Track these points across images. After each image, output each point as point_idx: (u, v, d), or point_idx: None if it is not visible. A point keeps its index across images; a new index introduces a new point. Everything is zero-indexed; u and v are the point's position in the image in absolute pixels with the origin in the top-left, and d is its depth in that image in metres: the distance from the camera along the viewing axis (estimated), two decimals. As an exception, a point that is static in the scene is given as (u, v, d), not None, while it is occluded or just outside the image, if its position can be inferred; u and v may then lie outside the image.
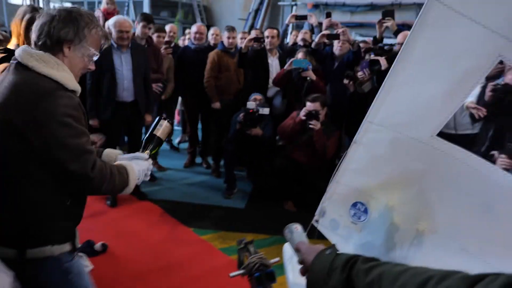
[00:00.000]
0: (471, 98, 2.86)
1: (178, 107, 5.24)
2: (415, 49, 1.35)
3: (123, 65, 3.34)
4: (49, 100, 1.17)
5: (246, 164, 4.19)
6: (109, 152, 1.53)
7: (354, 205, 1.68)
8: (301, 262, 0.93)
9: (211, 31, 4.57)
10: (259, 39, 3.92)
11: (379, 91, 1.46)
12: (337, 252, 0.82)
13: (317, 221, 1.79)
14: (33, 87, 1.19)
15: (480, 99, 2.46)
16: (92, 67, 1.37)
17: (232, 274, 1.36)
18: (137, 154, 1.46)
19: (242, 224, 3.35)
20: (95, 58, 1.35)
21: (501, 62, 1.32)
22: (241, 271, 1.36)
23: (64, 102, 1.19)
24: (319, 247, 0.89)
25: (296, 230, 1.11)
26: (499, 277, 0.53)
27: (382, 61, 3.24)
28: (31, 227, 1.26)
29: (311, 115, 3.26)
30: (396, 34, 3.56)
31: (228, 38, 4.17)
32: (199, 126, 4.72)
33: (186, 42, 5.14)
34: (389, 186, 1.58)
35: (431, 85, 1.37)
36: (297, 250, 0.97)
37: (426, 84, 1.38)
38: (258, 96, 3.78)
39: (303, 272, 0.90)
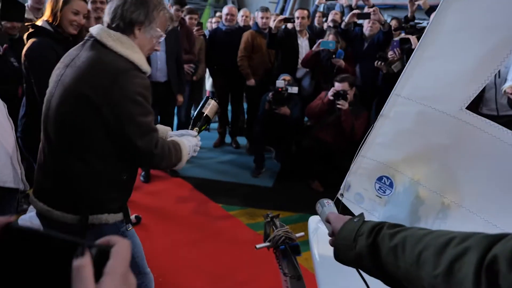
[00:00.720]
0: (510, 83, 2.75)
1: (208, 88, 5.33)
2: (445, 22, 1.33)
3: (157, 46, 3.44)
4: (125, 78, 1.24)
5: (274, 144, 4.25)
6: (159, 128, 1.58)
7: (380, 179, 1.70)
8: (331, 234, 0.92)
9: (241, 12, 4.61)
10: (289, 20, 3.92)
11: (407, 64, 1.46)
12: (364, 219, 0.82)
13: (342, 195, 1.82)
14: (111, 65, 1.25)
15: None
16: (159, 48, 1.41)
17: (258, 246, 1.41)
18: (187, 130, 1.53)
19: (268, 202, 3.43)
20: (161, 40, 1.39)
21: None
22: (267, 244, 1.41)
23: (138, 81, 1.26)
24: (347, 216, 0.89)
25: (328, 204, 1.12)
26: None
27: (413, 39, 3.17)
28: (92, 196, 1.35)
29: (339, 95, 3.26)
30: (428, 13, 3.45)
31: (262, 18, 4.20)
32: (229, 107, 4.80)
33: (214, 26, 5.19)
34: (415, 160, 1.58)
35: (460, 57, 1.35)
36: (327, 221, 0.97)
37: (456, 56, 1.37)
38: (287, 76, 3.80)
39: (332, 242, 0.89)
